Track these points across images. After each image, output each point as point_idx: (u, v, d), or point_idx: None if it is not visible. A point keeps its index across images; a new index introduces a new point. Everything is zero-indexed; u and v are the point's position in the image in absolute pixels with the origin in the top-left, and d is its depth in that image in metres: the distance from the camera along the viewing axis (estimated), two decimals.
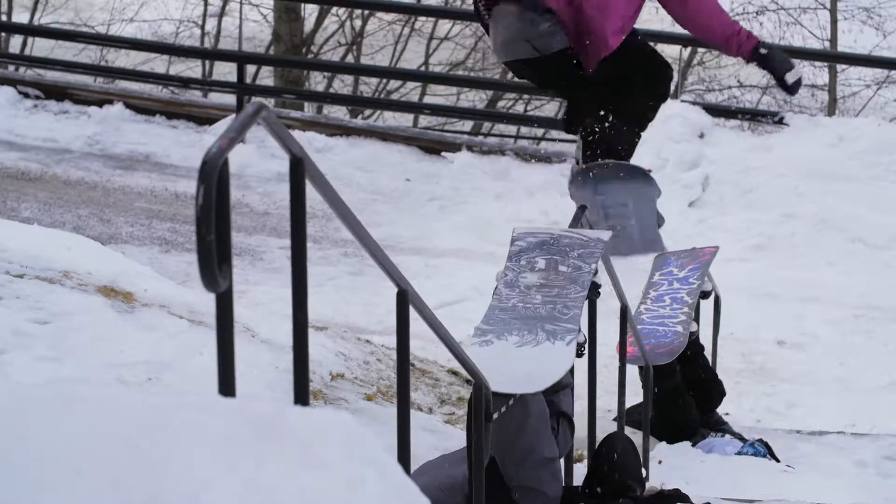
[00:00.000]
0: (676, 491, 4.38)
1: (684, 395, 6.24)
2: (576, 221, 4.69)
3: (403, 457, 3.13)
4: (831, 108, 15.68)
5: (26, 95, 11.45)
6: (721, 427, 6.48)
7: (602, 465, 4.24)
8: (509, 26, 5.31)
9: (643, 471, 4.52)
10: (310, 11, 17.85)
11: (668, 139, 10.19)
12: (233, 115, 10.52)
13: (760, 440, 6.04)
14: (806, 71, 17.23)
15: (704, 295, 6.57)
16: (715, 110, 11.23)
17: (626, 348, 5.22)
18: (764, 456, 5.87)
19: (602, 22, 5.20)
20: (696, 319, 7.06)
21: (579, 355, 4.18)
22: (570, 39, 5.18)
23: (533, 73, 5.41)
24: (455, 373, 6.78)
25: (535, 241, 4.33)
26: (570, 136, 11.74)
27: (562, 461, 4.16)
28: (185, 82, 13.22)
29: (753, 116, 11.41)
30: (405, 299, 3.06)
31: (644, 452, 5.45)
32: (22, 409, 1.49)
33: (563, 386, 4.12)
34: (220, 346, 2.11)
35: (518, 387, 3.80)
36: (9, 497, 1.38)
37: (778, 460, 5.88)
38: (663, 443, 5.90)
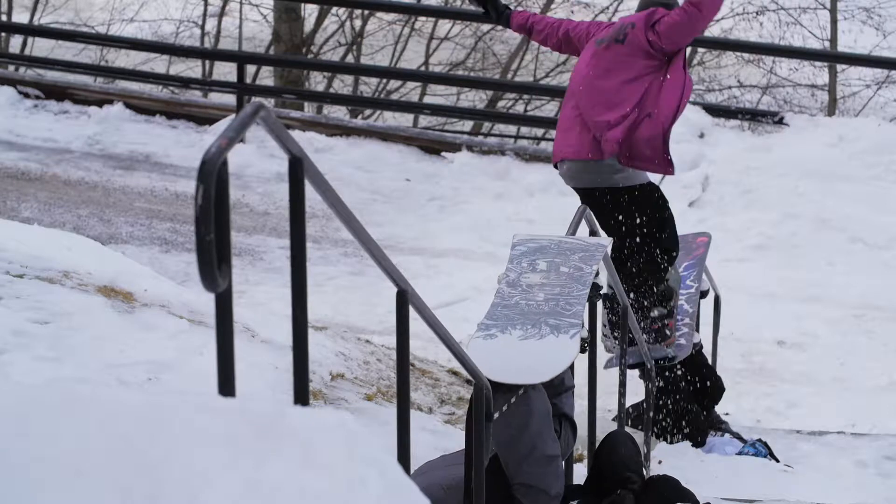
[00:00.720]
0: (664, 476, 4.40)
1: (682, 391, 6.24)
2: (576, 224, 4.69)
3: (403, 457, 3.13)
4: (831, 108, 15.68)
5: (26, 95, 11.45)
6: (721, 427, 6.49)
7: (602, 460, 4.25)
8: (587, 164, 5.66)
9: (644, 468, 4.53)
10: (310, 11, 17.85)
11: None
12: (233, 115, 10.52)
13: (760, 440, 6.04)
14: (806, 71, 17.25)
15: (703, 294, 6.59)
16: (715, 110, 11.24)
17: (625, 347, 5.22)
18: (764, 456, 5.87)
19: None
20: (697, 319, 7.07)
21: (583, 350, 4.19)
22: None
23: (597, 201, 5.67)
24: (455, 373, 6.78)
25: (535, 246, 4.34)
26: None
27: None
28: (185, 82, 13.22)
29: (753, 116, 11.40)
30: (405, 299, 3.06)
31: (644, 452, 5.46)
32: (22, 409, 1.49)
33: (567, 388, 4.13)
34: (220, 346, 2.11)
35: (522, 378, 3.81)
36: (9, 497, 1.38)
37: (777, 460, 5.88)
38: (663, 443, 5.91)
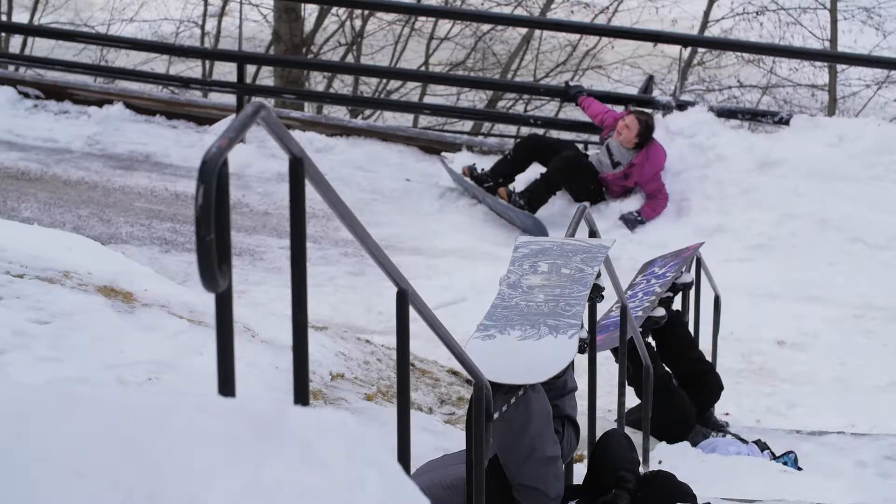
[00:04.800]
0: (659, 471, 4.41)
1: (672, 385, 6.23)
2: (576, 225, 4.70)
3: (403, 457, 3.13)
4: (831, 108, 15.68)
5: (26, 95, 11.45)
6: (722, 428, 6.49)
7: (597, 460, 4.26)
8: None
9: (640, 466, 4.53)
10: (310, 11, 17.85)
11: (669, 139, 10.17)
12: (233, 115, 10.52)
13: (791, 452, 6.01)
14: (806, 71, 17.26)
15: (685, 287, 6.54)
16: (715, 110, 11.20)
17: (625, 347, 5.23)
18: (795, 467, 5.85)
19: None
20: (697, 319, 7.07)
21: (582, 351, 4.19)
22: None
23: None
24: (455, 373, 6.78)
25: (537, 248, 4.35)
26: (569, 136, 11.83)
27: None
28: (185, 82, 13.20)
29: (754, 116, 11.39)
30: (405, 299, 3.06)
31: (644, 452, 5.46)
32: (22, 409, 1.49)
33: (569, 390, 4.13)
34: (220, 346, 2.11)
35: (520, 378, 3.81)
36: (9, 497, 1.38)
37: (800, 468, 5.86)
38: (663, 443, 5.90)
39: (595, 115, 10.27)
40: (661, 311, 6.17)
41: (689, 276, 6.59)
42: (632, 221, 9.66)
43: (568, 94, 10.76)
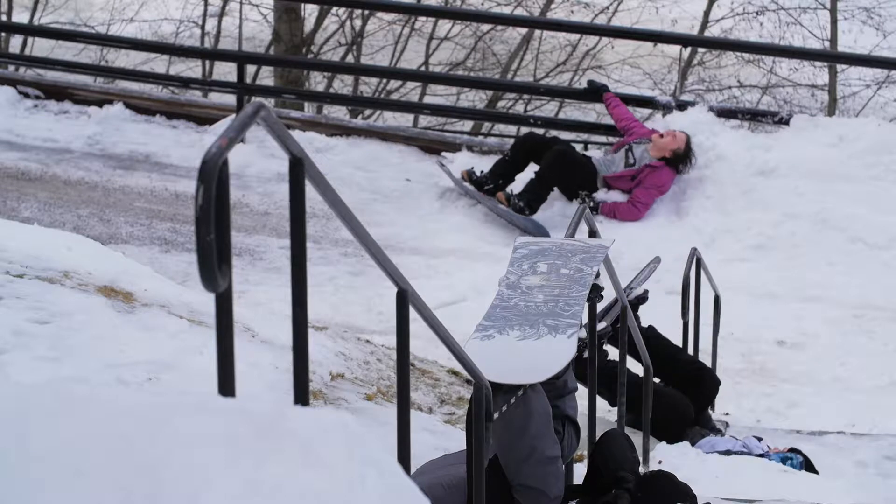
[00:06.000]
0: (659, 472, 4.41)
1: (658, 387, 6.23)
2: (576, 225, 4.70)
3: (403, 457, 3.13)
4: (831, 108, 15.68)
5: (26, 95, 11.45)
6: (720, 431, 6.49)
7: (596, 460, 4.26)
8: None
9: (640, 466, 4.54)
10: (310, 11, 17.85)
11: None
12: (233, 115, 10.51)
13: (794, 449, 5.97)
14: (806, 71, 17.25)
15: (640, 300, 6.48)
16: (715, 110, 11.21)
17: (625, 348, 5.23)
18: (799, 467, 5.83)
19: None
20: (697, 319, 7.08)
21: (581, 351, 4.19)
22: None
23: None
24: (455, 373, 6.78)
25: (537, 249, 4.35)
26: (569, 136, 11.83)
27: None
28: (185, 82, 13.20)
29: (754, 116, 11.39)
30: (405, 299, 3.06)
31: (644, 452, 5.46)
32: (22, 409, 1.49)
33: (569, 391, 4.13)
34: (220, 346, 2.11)
35: (519, 377, 3.81)
36: (9, 497, 1.38)
37: (816, 472, 5.83)
38: (663, 443, 5.91)
39: (621, 118, 10.11)
40: (601, 325, 6.02)
41: (641, 289, 6.53)
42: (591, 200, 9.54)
43: (594, 87, 10.68)
